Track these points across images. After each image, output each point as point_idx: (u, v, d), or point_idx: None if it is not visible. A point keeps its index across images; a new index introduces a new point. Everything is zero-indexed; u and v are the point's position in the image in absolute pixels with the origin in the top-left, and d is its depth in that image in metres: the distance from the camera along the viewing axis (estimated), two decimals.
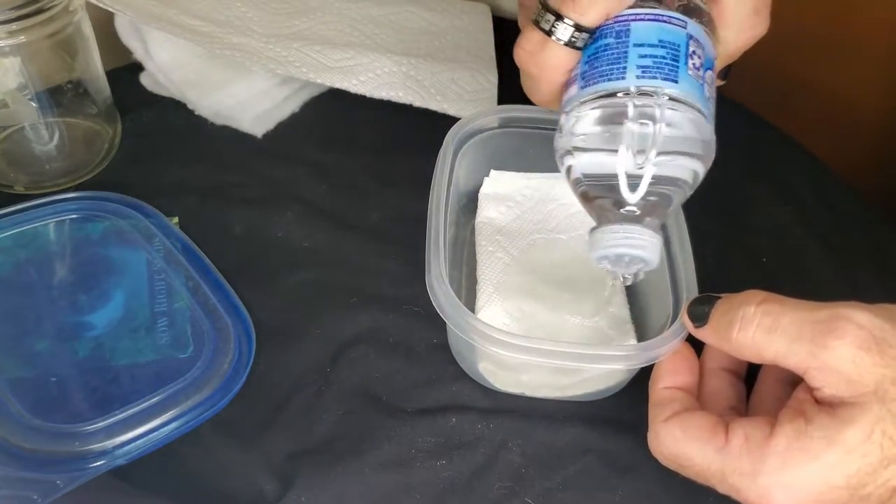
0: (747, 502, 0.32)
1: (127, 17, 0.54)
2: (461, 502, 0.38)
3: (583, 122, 0.34)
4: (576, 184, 0.35)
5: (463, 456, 0.40)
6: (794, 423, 0.31)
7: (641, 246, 0.33)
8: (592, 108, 0.33)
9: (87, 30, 0.50)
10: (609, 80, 0.33)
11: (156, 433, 0.39)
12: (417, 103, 0.56)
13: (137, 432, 0.38)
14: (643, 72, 0.32)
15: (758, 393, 0.38)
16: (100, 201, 0.49)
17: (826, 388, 0.31)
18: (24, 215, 0.48)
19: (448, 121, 0.47)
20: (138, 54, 0.57)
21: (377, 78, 0.56)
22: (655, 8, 0.33)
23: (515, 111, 0.48)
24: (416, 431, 0.41)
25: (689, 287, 0.39)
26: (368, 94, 0.55)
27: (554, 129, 0.41)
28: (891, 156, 0.73)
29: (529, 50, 0.34)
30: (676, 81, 0.32)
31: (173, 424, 0.39)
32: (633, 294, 0.46)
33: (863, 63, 0.69)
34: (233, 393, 0.41)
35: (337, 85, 0.55)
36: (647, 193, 0.33)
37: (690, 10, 0.34)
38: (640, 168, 0.33)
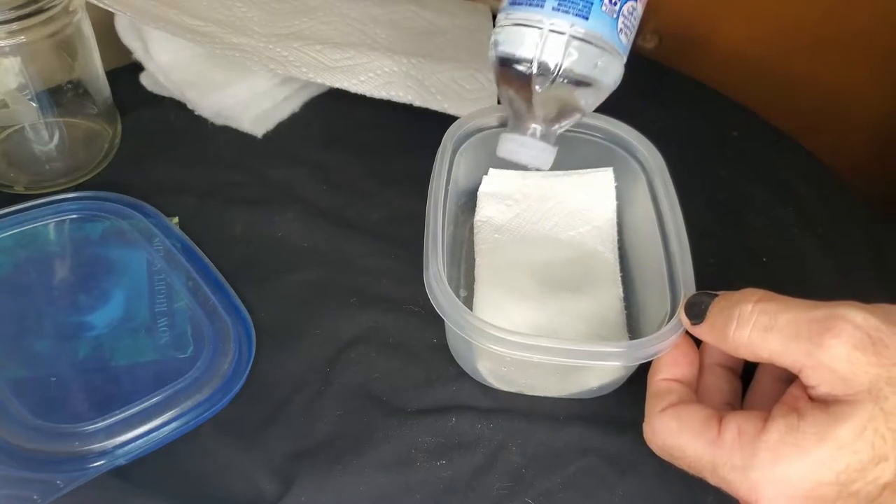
0: (737, 495, 0.32)
1: (127, 17, 0.54)
2: (461, 502, 0.39)
3: (502, 33, 0.41)
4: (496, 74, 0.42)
5: (463, 456, 0.40)
6: (787, 419, 0.31)
7: (532, 156, 0.42)
8: (512, 26, 0.40)
9: (87, 30, 0.50)
10: (530, 6, 0.39)
11: (156, 433, 0.39)
12: (417, 103, 0.56)
13: (137, 432, 0.38)
14: (558, 4, 0.39)
15: (754, 390, 0.38)
16: (100, 201, 0.49)
17: (821, 387, 0.31)
18: (24, 215, 0.48)
19: (448, 120, 0.47)
20: (138, 54, 0.57)
21: (377, 77, 0.56)
22: None
23: None
24: (416, 431, 0.41)
25: (687, 284, 0.39)
26: (368, 94, 0.55)
27: None
28: (891, 156, 0.73)
29: None
30: (587, 18, 0.38)
31: (173, 424, 0.39)
32: (630, 291, 0.46)
33: (863, 63, 0.69)
34: (233, 393, 0.41)
35: (337, 85, 0.55)
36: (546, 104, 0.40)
37: None
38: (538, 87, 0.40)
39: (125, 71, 0.59)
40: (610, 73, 0.40)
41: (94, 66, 0.52)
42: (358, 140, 0.57)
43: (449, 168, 0.44)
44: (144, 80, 0.59)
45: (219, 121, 0.57)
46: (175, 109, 0.57)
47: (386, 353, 0.44)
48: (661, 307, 0.40)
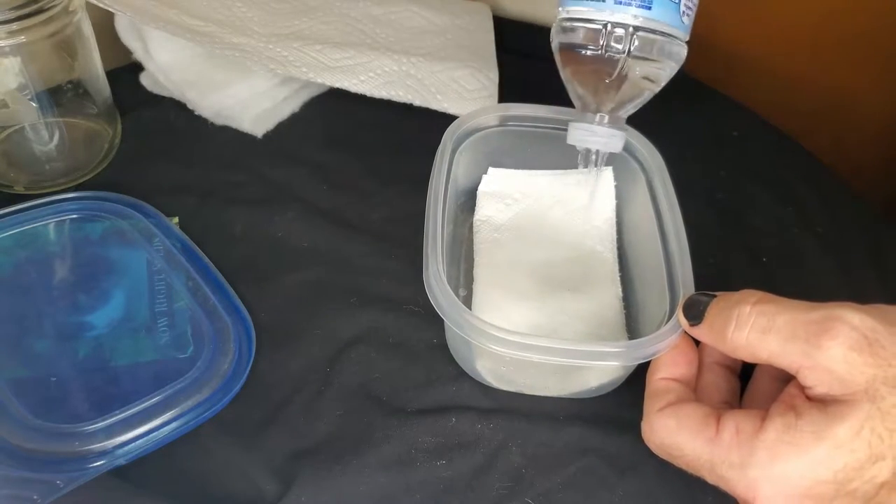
0: (735, 494, 0.32)
1: (127, 17, 0.54)
2: (461, 502, 0.39)
3: (565, 25, 0.41)
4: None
5: (463, 456, 0.40)
6: (785, 417, 0.31)
7: (603, 142, 0.42)
8: (574, 25, 0.40)
9: (87, 30, 0.50)
10: (590, 1, 0.39)
11: (156, 433, 0.39)
12: (418, 102, 0.56)
13: (137, 432, 0.38)
14: None
15: (752, 389, 0.38)
16: (100, 201, 0.49)
17: (818, 387, 0.31)
18: (24, 215, 0.48)
19: (448, 120, 0.47)
20: (138, 54, 0.57)
21: (377, 77, 0.56)
22: None
23: (514, 109, 0.48)
24: (416, 431, 0.41)
25: (686, 284, 0.39)
26: (368, 94, 0.55)
27: (553, 128, 0.48)
28: (891, 156, 0.73)
29: None
30: (650, 8, 0.38)
31: (173, 424, 0.39)
32: (629, 290, 0.46)
33: (863, 63, 0.69)
34: (233, 393, 0.41)
35: (337, 84, 0.55)
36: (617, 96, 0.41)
37: None
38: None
39: (125, 71, 0.59)
40: (674, 55, 0.40)
41: (94, 66, 0.52)
42: (358, 140, 0.57)
43: (448, 167, 0.44)
44: (144, 80, 0.59)
45: (219, 121, 0.57)
46: (175, 109, 0.57)
47: (386, 353, 0.44)
48: (660, 307, 0.40)
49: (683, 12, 0.39)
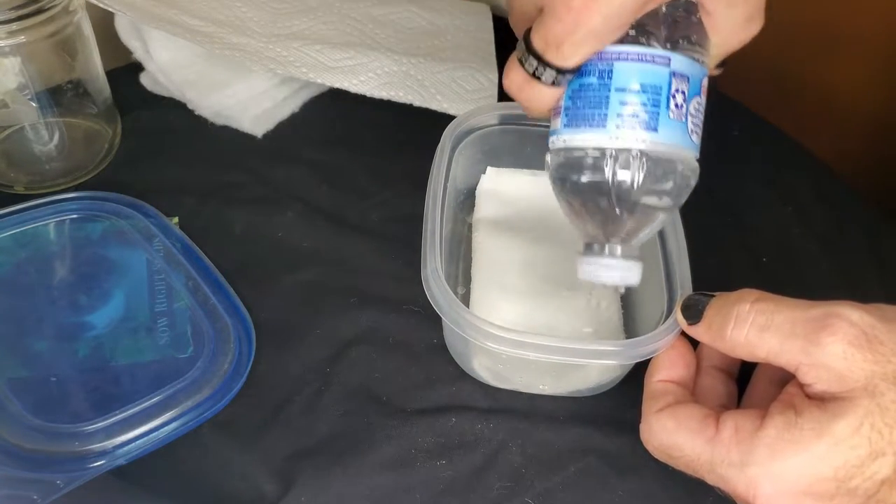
0: (735, 494, 0.32)
1: (127, 17, 0.54)
2: (461, 502, 0.39)
3: (562, 166, 0.36)
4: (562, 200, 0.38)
5: (463, 456, 0.40)
6: (785, 415, 0.31)
7: (619, 276, 0.37)
8: (573, 154, 0.35)
9: (87, 30, 0.50)
10: (590, 126, 0.34)
11: (156, 433, 0.39)
12: (417, 103, 0.56)
13: (137, 432, 0.38)
14: (622, 121, 0.34)
15: (750, 393, 0.38)
16: (100, 201, 0.49)
17: (817, 384, 0.31)
18: (24, 215, 0.48)
19: (448, 120, 0.47)
20: (138, 54, 0.57)
21: (377, 78, 0.56)
22: (638, 44, 0.33)
23: (513, 108, 0.48)
24: (416, 431, 0.41)
25: (684, 284, 0.39)
26: (368, 94, 0.55)
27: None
28: (891, 155, 0.73)
29: (517, 84, 0.35)
30: (657, 130, 0.34)
31: (173, 424, 0.39)
32: (627, 290, 0.45)
33: (863, 62, 0.69)
34: (233, 393, 0.41)
35: (337, 85, 0.55)
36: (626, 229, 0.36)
37: (677, 28, 0.34)
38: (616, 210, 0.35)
39: (125, 71, 0.59)
40: (688, 175, 0.36)
41: (94, 66, 0.52)
42: (358, 140, 0.57)
43: (447, 166, 0.44)
44: (144, 80, 0.59)
45: (219, 121, 0.57)
46: (175, 109, 0.57)
47: (386, 353, 0.44)
48: (657, 306, 0.40)
49: (692, 130, 0.35)
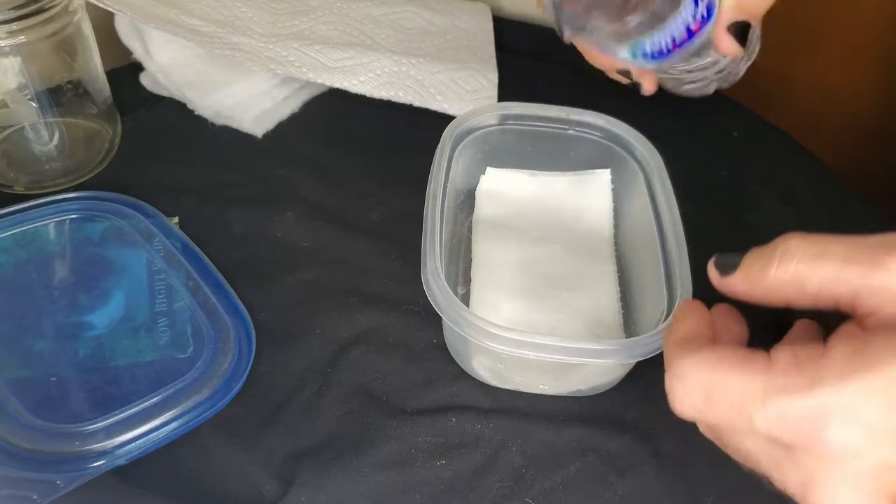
0: (795, 430, 0.27)
1: (127, 17, 0.54)
2: (461, 502, 0.39)
3: None
4: None
5: (463, 456, 0.40)
6: (851, 343, 0.27)
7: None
8: None
9: (87, 30, 0.50)
10: None
11: (156, 433, 0.39)
12: (417, 103, 0.56)
13: (137, 432, 0.38)
14: None
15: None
16: (100, 201, 0.49)
17: (882, 310, 0.28)
18: (24, 215, 0.48)
19: (448, 120, 0.47)
20: (138, 54, 0.57)
21: (377, 78, 0.56)
22: None
23: (513, 108, 0.48)
24: (416, 431, 0.41)
25: (684, 284, 0.39)
26: (368, 94, 0.55)
27: (552, 127, 0.47)
28: (891, 156, 0.73)
29: None
30: None
31: (173, 424, 0.39)
32: (627, 290, 0.46)
33: (863, 62, 0.69)
34: (233, 393, 0.41)
35: (337, 85, 0.55)
36: None
37: None
38: None
39: (125, 71, 0.59)
40: None
41: (94, 66, 0.52)
42: (358, 140, 0.57)
43: (447, 166, 0.44)
44: (144, 80, 0.59)
45: (219, 121, 0.57)
46: (175, 109, 0.57)
47: (386, 353, 0.44)
48: (657, 306, 0.40)
49: None
